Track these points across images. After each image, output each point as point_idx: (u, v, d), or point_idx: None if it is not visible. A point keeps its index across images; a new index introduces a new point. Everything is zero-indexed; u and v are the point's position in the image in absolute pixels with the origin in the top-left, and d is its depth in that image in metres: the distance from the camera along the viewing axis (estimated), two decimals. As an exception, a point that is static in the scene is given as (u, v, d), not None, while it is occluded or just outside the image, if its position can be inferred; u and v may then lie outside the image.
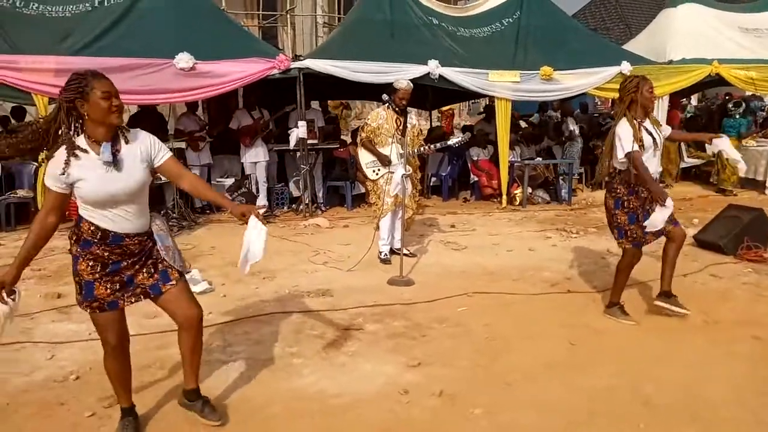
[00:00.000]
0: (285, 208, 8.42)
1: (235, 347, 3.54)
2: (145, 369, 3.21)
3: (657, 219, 3.67)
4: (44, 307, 4.28)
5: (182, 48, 6.93)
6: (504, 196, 8.48)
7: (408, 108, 5.49)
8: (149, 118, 7.99)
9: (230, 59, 7.20)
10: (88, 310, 2.40)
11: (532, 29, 8.71)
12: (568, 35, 8.99)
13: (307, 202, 7.90)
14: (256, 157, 8.12)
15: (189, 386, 2.67)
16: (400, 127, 5.31)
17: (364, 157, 5.48)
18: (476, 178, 9.28)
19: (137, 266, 2.42)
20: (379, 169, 5.42)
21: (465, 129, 11.18)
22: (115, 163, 2.27)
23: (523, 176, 8.67)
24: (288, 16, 13.55)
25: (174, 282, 2.48)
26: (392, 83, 5.43)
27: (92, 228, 2.30)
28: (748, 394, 2.97)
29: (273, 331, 3.82)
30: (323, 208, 8.38)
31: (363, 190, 8.71)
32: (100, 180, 2.25)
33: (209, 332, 3.59)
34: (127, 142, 2.33)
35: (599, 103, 17.17)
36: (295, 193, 8.56)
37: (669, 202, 3.66)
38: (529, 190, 8.88)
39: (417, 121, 5.70)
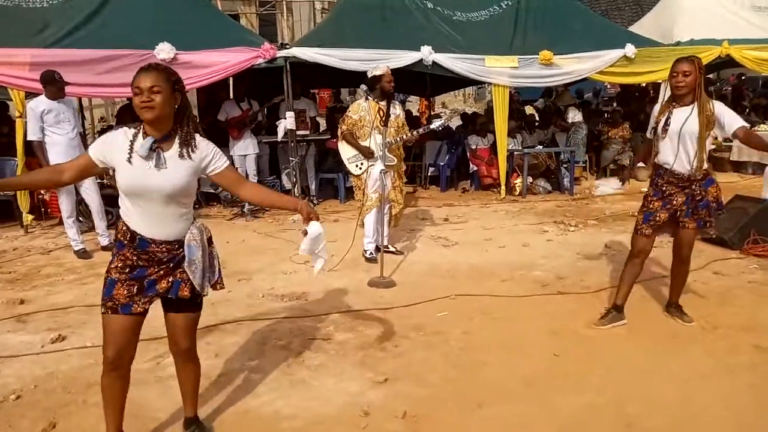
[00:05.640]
0: (276, 201, 8.17)
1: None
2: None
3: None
4: (3, 315, 4.07)
5: (162, 38, 6.65)
6: (503, 186, 8.15)
7: (394, 98, 5.21)
8: (132, 111, 7.74)
9: (213, 49, 6.93)
10: (102, 310, 2.27)
11: (531, 12, 8.31)
12: (570, 17, 8.57)
13: (297, 195, 7.65)
14: (245, 150, 7.84)
15: (185, 414, 2.63)
16: (383, 118, 5.01)
17: (346, 152, 5.20)
18: (475, 168, 8.97)
19: (162, 272, 2.29)
20: (362, 164, 5.13)
21: (463, 116, 10.85)
22: (155, 159, 2.20)
23: (523, 165, 8.33)
24: (285, 2, 13.23)
25: (187, 296, 2.31)
26: (367, 72, 5.11)
27: (124, 228, 2.26)
28: (748, 412, 2.69)
29: (236, 342, 3.57)
30: (316, 201, 8.13)
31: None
32: (137, 170, 2.18)
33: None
34: (182, 145, 2.23)
35: (609, 87, 16.64)
36: (288, 185, 8.30)
37: None
38: (530, 179, 8.55)
39: (401, 111, 5.36)
